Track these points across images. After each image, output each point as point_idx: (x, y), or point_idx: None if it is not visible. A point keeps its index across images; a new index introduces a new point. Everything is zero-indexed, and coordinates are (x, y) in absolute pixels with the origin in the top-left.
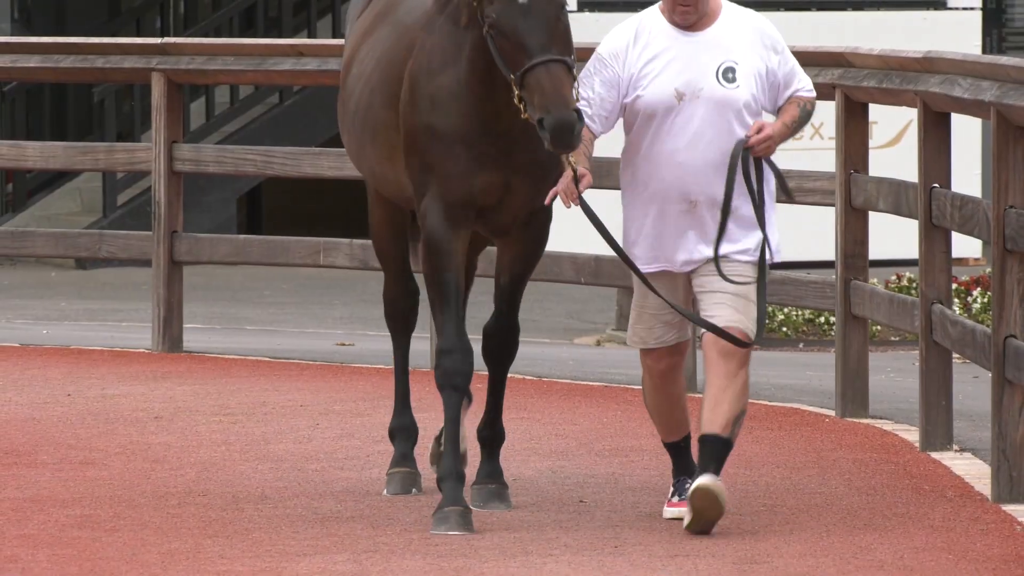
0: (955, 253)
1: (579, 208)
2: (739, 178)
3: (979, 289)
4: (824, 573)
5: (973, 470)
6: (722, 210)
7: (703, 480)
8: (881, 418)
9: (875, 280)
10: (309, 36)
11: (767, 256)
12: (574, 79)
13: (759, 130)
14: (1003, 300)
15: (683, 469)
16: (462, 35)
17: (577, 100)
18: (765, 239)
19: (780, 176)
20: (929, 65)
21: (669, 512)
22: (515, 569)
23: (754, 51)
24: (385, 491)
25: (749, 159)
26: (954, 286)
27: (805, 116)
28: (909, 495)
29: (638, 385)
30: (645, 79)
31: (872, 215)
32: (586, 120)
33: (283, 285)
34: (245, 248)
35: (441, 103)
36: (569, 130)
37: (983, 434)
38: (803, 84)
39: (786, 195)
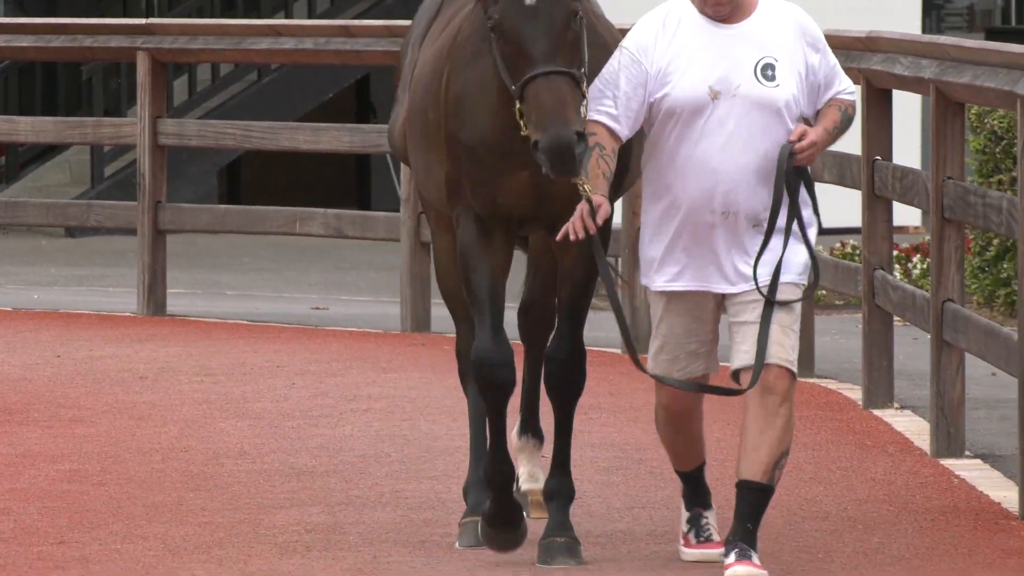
0: (896, 222)
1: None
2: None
3: (919, 256)
4: (772, 524)
5: (913, 427)
6: (768, 222)
7: (741, 571)
8: (826, 378)
9: (820, 247)
10: (286, 16)
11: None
12: (583, 96)
13: (801, 136)
14: (941, 266)
15: (697, 500)
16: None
17: (585, 119)
18: (813, 259)
19: (812, 191)
20: (872, 44)
21: (689, 554)
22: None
23: (795, 47)
24: (457, 543)
25: (791, 167)
26: (895, 253)
27: (847, 121)
28: (852, 450)
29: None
30: (674, 75)
31: (817, 186)
32: (610, 122)
33: (261, 252)
34: (225, 217)
35: (466, 101)
36: (568, 153)
37: (922, 392)
38: (844, 86)
39: (815, 215)
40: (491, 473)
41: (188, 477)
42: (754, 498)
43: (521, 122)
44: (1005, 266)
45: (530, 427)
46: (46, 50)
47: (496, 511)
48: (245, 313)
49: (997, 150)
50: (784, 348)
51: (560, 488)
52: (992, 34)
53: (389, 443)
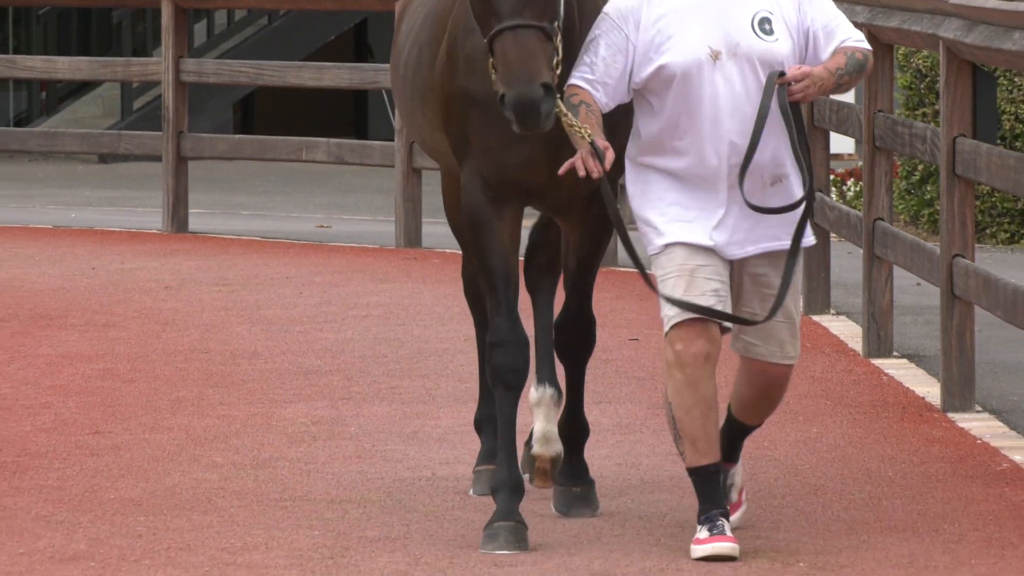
0: (832, 149)
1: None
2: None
3: (852, 180)
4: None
5: (847, 330)
6: (746, 154)
7: (729, 548)
8: None
9: None
10: None
11: (803, 234)
12: (555, 49)
13: (798, 69)
14: (872, 189)
15: (713, 502)
16: None
17: (555, 73)
18: (806, 197)
19: (804, 135)
20: None
21: (699, 551)
22: (469, 414)
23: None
24: (471, 491)
25: (785, 102)
26: (831, 177)
27: (855, 66)
28: None
29: None
30: (670, 40)
31: None
32: (587, 86)
33: (271, 177)
34: (240, 146)
35: (477, 64)
36: (532, 109)
37: (856, 300)
38: (850, 35)
39: (804, 179)
40: (499, 482)
41: (208, 375)
42: (743, 431)
43: (493, 77)
44: (928, 189)
45: (546, 377)
46: None
47: (501, 511)
48: (258, 231)
49: (922, 86)
50: (795, 343)
51: (575, 430)
52: None
53: (385, 345)
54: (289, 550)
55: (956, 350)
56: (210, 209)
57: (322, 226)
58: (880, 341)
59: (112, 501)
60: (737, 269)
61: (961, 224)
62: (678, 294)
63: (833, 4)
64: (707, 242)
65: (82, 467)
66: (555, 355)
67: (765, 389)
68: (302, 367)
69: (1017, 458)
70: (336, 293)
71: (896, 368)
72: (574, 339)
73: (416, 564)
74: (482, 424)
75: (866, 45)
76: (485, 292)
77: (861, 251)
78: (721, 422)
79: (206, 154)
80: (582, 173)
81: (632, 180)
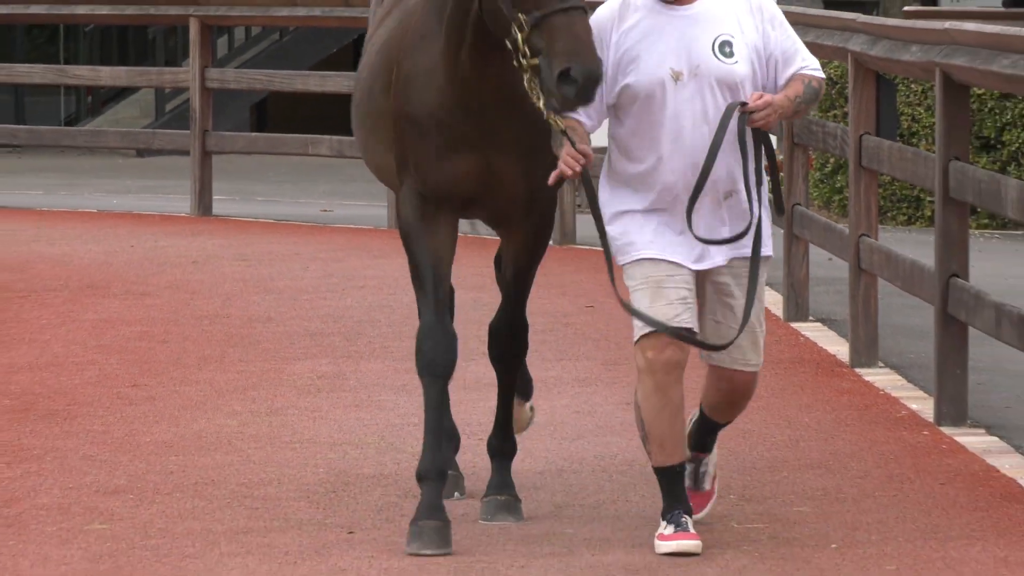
0: None
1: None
2: (734, 154)
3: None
4: None
5: (770, 299)
6: (701, 171)
7: (692, 546)
8: None
9: None
10: None
11: (761, 248)
12: None
13: (759, 97)
14: (792, 179)
15: (677, 500)
16: (443, 7)
17: None
18: (759, 221)
19: (772, 157)
20: None
21: (664, 547)
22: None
23: (748, 24)
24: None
25: (744, 128)
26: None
27: (811, 93)
28: None
29: None
30: (635, 61)
31: None
32: (576, 114)
33: (282, 169)
34: (255, 142)
35: (414, 82)
36: (596, 82)
37: (777, 273)
38: (807, 63)
39: (776, 203)
40: (424, 470)
41: (229, 336)
42: (713, 428)
43: (522, 54)
44: (839, 178)
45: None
46: (121, 16)
47: (427, 505)
48: (271, 214)
49: (833, 92)
50: (758, 352)
51: (503, 447)
52: (828, 4)
53: (379, 311)
54: (298, 485)
55: (862, 315)
56: (231, 196)
57: (325, 210)
58: (798, 307)
59: (148, 443)
60: (701, 278)
61: (866, 208)
62: (646, 304)
63: (793, 31)
64: (670, 257)
65: (122, 415)
66: (489, 359)
67: (730, 394)
68: (308, 330)
69: (914, 406)
70: (337, 267)
71: (811, 331)
72: (507, 343)
73: (405, 497)
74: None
75: (820, 73)
76: (416, 291)
77: (782, 232)
78: (695, 417)
79: (227, 149)
80: (568, 174)
81: (603, 189)
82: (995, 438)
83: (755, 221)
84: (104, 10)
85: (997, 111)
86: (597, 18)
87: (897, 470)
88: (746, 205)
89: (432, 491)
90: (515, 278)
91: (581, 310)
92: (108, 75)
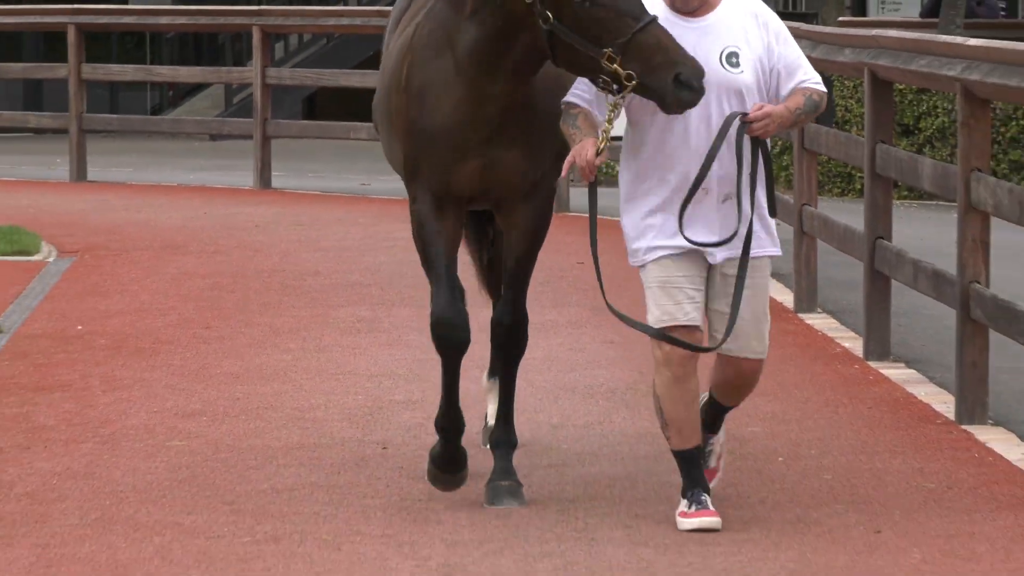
0: None
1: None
2: (731, 158)
3: None
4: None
5: None
6: (696, 177)
7: (712, 522)
8: None
9: None
10: (345, 4)
11: (751, 249)
12: None
13: (759, 108)
14: (802, 180)
15: (696, 481)
16: (457, 23)
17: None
18: (751, 223)
19: (769, 168)
20: None
21: (687, 524)
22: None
23: (756, 38)
24: None
25: (744, 136)
26: None
27: (812, 106)
28: None
29: None
30: None
31: None
32: (584, 104)
33: (328, 150)
34: (306, 129)
35: (429, 94)
36: (703, 76)
37: None
38: (809, 76)
39: (768, 203)
40: (443, 424)
41: (284, 287)
42: (721, 411)
43: (624, 80)
44: (785, 157)
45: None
46: (196, 25)
47: (444, 456)
48: (319, 187)
49: None
50: (762, 340)
51: (505, 438)
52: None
53: (407, 266)
54: (340, 409)
55: (804, 270)
56: (286, 173)
57: (364, 184)
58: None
59: (218, 375)
60: (712, 269)
61: (808, 182)
62: (658, 303)
63: (797, 47)
64: (681, 258)
65: (197, 351)
66: (492, 349)
67: (735, 380)
68: (349, 281)
69: (846, 344)
70: (373, 230)
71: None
72: (509, 333)
73: (429, 419)
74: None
75: (822, 87)
76: (428, 277)
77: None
78: (704, 399)
79: (283, 134)
80: (585, 174)
81: (622, 187)
82: (913, 371)
83: (745, 224)
84: (182, 20)
85: (915, 103)
86: None
87: (832, 397)
88: (744, 208)
89: (450, 442)
90: (516, 264)
91: (573, 266)
92: (186, 73)
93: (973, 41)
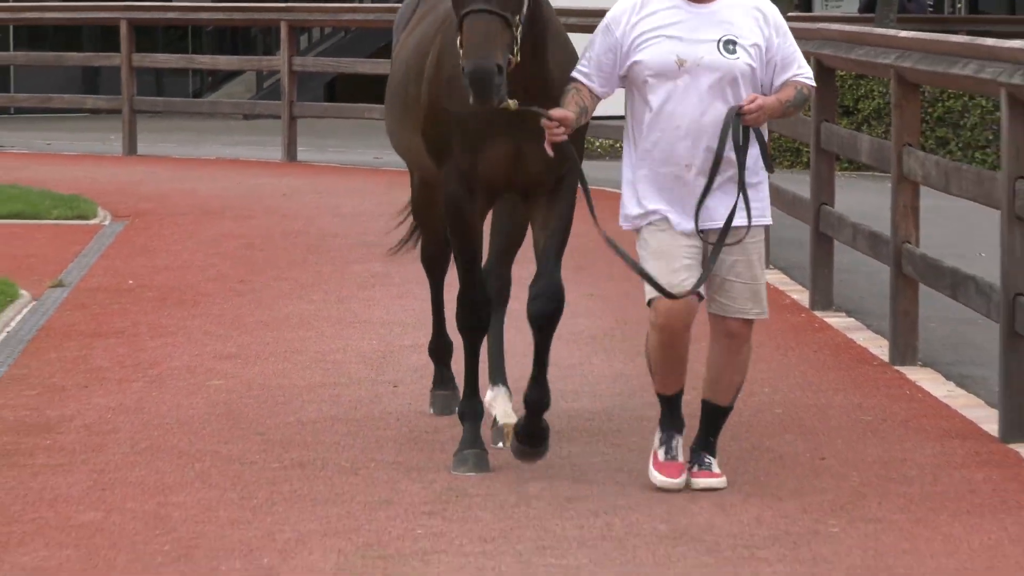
0: None
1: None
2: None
3: None
4: (625, 318)
5: None
6: (710, 172)
7: (702, 483)
8: None
9: None
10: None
11: (745, 220)
12: (513, 38)
13: (752, 100)
14: (819, 179)
15: (672, 423)
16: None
17: (514, 60)
18: (746, 202)
19: (764, 147)
20: None
21: (655, 476)
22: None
23: (755, 29)
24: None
25: (739, 126)
26: None
27: (801, 99)
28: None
29: None
30: (646, 44)
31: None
32: (582, 78)
33: (347, 128)
34: (327, 110)
35: (457, 83)
36: (486, 81)
37: None
38: (802, 71)
39: (766, 167)
40: (464, 408)
41: (308, 247)
42: (716, 417)
43: (460, 52)
44: None
45: (499, 378)
46: (231, 20)
47: (467, 438)
48: (339, 160)
49: None
50: (757, 303)
51: (539, 397)
52: None
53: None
54: (357, 352)
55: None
56: (310, 148)
57: (377, 158)
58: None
59: (251, 322)
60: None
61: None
62: (653, 270)
63: (794, 42)
64: (678, 225)
65: (232, 302)
66: (528, 320)
67: (728, 343)
68: (365, 242)
69: (795, 296)
70: (386, 198)
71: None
72: (545, 303)
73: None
74: (434, 352)
75: (812, 82)
76: (457, 260)
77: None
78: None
79: (307, 115)
80: (550, 149)
81: (625, 150)
82: (853, 319)
83: (738, 202)
84: (219, 15)
85: (855, 87)
86: (616, 8)
87: (782, 342)
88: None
89: (471, 428)
90: (550, 240)
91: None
92: (223, 61)
93: (905, 33)
